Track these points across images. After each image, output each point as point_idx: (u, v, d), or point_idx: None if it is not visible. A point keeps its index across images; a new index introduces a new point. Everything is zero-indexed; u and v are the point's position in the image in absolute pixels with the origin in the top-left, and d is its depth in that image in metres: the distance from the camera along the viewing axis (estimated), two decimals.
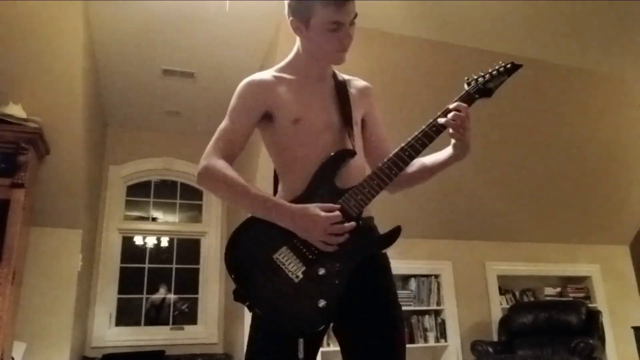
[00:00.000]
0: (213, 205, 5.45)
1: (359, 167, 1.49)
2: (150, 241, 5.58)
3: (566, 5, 3.73)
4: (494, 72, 1.50)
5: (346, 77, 1.65)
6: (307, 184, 1.43)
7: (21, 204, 3.14)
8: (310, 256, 1.35)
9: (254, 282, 1.34)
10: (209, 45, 3.93)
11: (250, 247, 1.38)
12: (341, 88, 1.58)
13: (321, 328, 1.34)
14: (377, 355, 1.36)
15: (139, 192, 5.42)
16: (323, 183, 1.42)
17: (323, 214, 1.33)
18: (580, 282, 5.76)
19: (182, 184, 5.53)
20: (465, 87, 1.50)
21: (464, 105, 1.44)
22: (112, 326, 4.92)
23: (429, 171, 1.57)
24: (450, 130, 1.42)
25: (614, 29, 4.07)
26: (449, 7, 3.71)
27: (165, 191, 5.55)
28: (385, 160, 1.42)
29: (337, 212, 1.34)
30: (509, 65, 1.51)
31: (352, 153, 1.47)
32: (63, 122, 3.49)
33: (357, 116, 1.57)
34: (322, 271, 1.34)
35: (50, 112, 3.42)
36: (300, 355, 1.33)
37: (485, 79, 1.50)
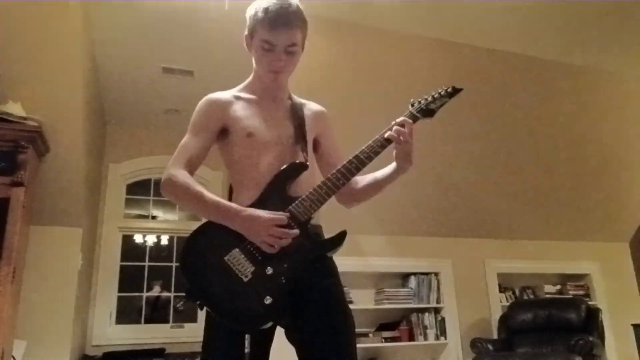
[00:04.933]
0: None
1: (309, 180, 1.58)
2: (150, 239, 5.58)
3: (566, 4, 3.72)
4: (436, 95, 1.64)
5: (303, 100, 1.77)
6: (260, 192, 1.52)
7: (21, 202, 3.14)
8: (260, 257, 1.43)
9: (205, 282, 1.43)
10: (208, 44, 3.93)
11: (204, 249, 1.48)
12: (297, 110, 1.70)
13: (268, 324, 1.42)
14: (326, 356, 1.43)
15: (138, 190, 5.42)
16: (275, 191, 1.52)
17: (267, 215, 1.43)
18: (580, 279, 5.77)
19: None
20: (410, 107, 1.63)
21: (409, 120, 1.56)
22: (113, 324, 4.93)
23: (377, 185, 1.67)
24: (393, 144, 1.54)
25: (615, 28, 4.06)
26: (449, 6, 3.71)
27: None
28: (334, 171, 1.53)
29: (281, 215, 1.44)
30: (449, 89, 1.65)
31: (305, 166, 1.57)
32: (63, 121, 3.49)
33: (309, 135, 1.69)
34: (269, 270, 1.42)
35: (50, 110, 3.41)
36: (247, 349, 1.40)
37: (428, 101, 1.63)
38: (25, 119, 3.26)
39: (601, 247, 5.88)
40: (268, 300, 1.39)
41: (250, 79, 1.72)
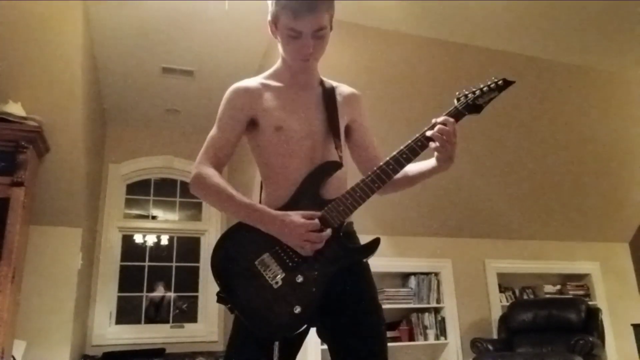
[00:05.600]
0: None
1: (342, 178, 1.53)
2: (150, 239, 5.58)
3: (567, 4, 3.72)
4: (485, 88, 1.52)
5: (334, 83, 1.68)
6: (292, 193, 1.47)
7: (21, 202, 3.14)
8: (290, 264, 1.40)
9: (235, 285, 1.40)
10: (208, 44, 3.93)
11: (235, 252, 1.44)
12: (328, 96, 1.61)
13: (295, 333, 1.39)
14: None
15: (138, 190, 5.43)
16: (307, 193, 1.47)
17: (301, 220, 1.39)
18: (580, 279, 5.76)
19: (182, 182, 5.53)
20: (455, 102, 1.51)
21: (451, 120, 1.45)
22: (113, 324, 4.93)
23: (411, 180, 1.61)
24: (435, 144, 1.44)
25: (615, 28, 4.06)
26: (449, 5, 3.71)
27: (165, 189, 5.55)
28: (370, 173, 1.45)
29: (316, 220, 1.39)
30: (500, 82, 1.54)
31: (339, 165, 1.51)
32: (63, 121, 3.49)
33: (342, 123, 1.60)
34: (300, 279, 1.39)
35: (50, 110, 3.42)
36: (275, 358, 1.39)
37: (475, 95, 1.51)
38: (25, 119, 3.26)
39: (601, 247, 5.87)
40: (297, 309, 1.36)
41: (277, 65, 1.62)
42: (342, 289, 1.43)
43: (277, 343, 1.39)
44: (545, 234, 5.59)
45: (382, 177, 1.44)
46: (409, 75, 4.20)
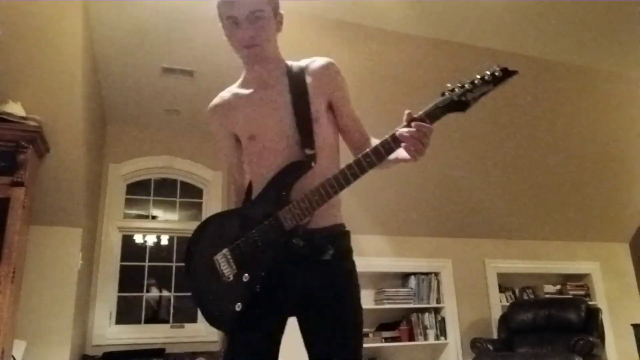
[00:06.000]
0: (213, 204, 5.45)
1: (321, 174, 1.42)
2: (150, 239, 5.58)
3: (567, 4, 3.72)
4: (477, 81, 1.31)
5: (304, 62, 1.58)
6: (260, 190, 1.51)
7: (21, 202, 3.14)
8: (243, 261, 1.45)
9: (195, 277, 1.52)
10: (208, 44, 3.93)
11: (202, 244, 1.53)
12: (297, 84, 1.52)
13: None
14: (327, 356, 1.44)
15: (139, 190, 5.42)
16: (271, 193, 1.47)
17: None
18: (580, 279, 5.77)
19: (182, 182, 5.52)
20: (439, 97, 1.33)
21: (425, 124, 1.31)
22: (113, 324, 4.93)
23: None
24: (403, 144, 1.32)
25: (614, 27, 4.06)
26: (448, 5, 3.71)
27: (165, 189, 5.54)
28: (330, 176, 1.37)
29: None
30: (498, 72, 1.29)
31: (305, 165, 1.45)
32: (63, 121, 3.49)
33: (319, 104, 1.52)
34: (246, 277, 1.44)
35: (50, 110, 3.42)
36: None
37: (464, 89, 1.31)
38: (25, 119, 3.26)
39: (601, 247, 5.88)
40: (239, 307, 1.41)
41: (243, 72, 1.63)
42: (315, 285, 1.45)
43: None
44: (545, 234, 5.59)
45: (341, 182, 1.36)
46: (409, 75, 4.20)
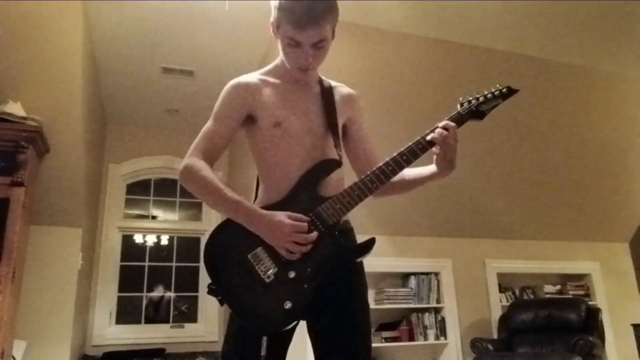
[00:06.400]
0: None
1: (341, 178, 1.52)
2: (150, 239, 5.58)
3: (566, 3, 3.72)
4: (489, 95, 1.52)
5: (333, 83, 1.67)
6: (289, 189, 1.46)
7: (21, 202, 3.14)
8: (283, 258, 1.38)
9: (226, 278, 1.40)
10: (208, 44, 3.93)
11: (227, 245, 1.42)
12: (327, 94, 1.59)
13: (285, 329, 1.39)
14: (342, 357, 1.41)
15: (138, 190, 5.43)
16: (305, 190, 1.45)
17: (288, 221, 1.36)
18: (580, 279, 5.76)
19: None
20: (458, 107, 1.52)
21: (452, 124, 1.46)
22: (113, 324, 4.93)
23: (408, 184, 1.62)
24: (435, 148, 1.45)
25: (615, 28, 4.06)
26: (449, 5, 3.71)
27: (165, 189, 5.55)
28: (368, 172, 1.44)
29: (304, 223, 1.38)
30: (504, 90, 1.53)
31: (338, 163, 1.50)
32: (63, 121, 3.49)
33: (340, 123, 1.59)
34: (292, 274, 1.38)
35: (50, 110, 3.42)
36: (263, 352, 1.38)
37: (479, 101, 1.51)
38: (25, 119, 3.26)
39: (601, 247, 5.87)
40: (288, 305, 1.35)
41: (277, 61, 1.60)
42: (333, 287, 1.43)
43: (265, 338, 1.38)
44: (545, 234, 5.59)
45: (381, 178, 1.43)
46: (409, 75, 4.20)
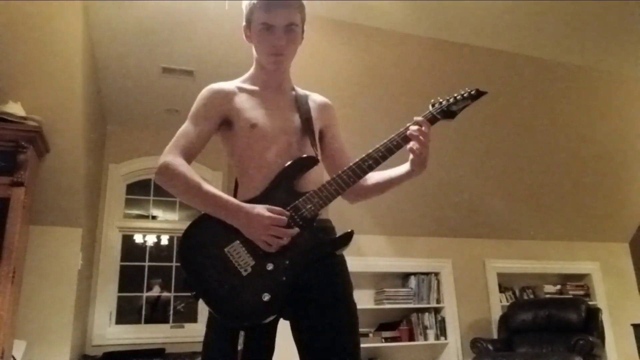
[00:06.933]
0: None
1: (319, 174, 1.56)
2: (150, 239, 5.58)
3: (566, 4, 3.72)
4: (458, 97, 1.59)
5: (307, 92, 1.73)
6: (267, 185, 1.48)
7: (21, 202, 3.14)
8: (261, 252, 1.39)
9: (202, 273, 1.39)
10: (208, 44, 3.93)
11: (204, 240, 1.43)
12: (301, 100, 1.66)
13: (264, 321, 1.38)
14: (325, 355, 1.41)
15: (138, 190, 5.42)
16: (282, 185, 1.48)
17: (267, 214, 1.38)
18: (580, 279, 5.77)
19: None
20: (430, 107, 1.58)
21: (424, 120, 1.52)
22: (113, 324, 4.93)
23: (385, 184, 1.64)
24: (410, 144, 1.50)
25: (615, 28, 4.06)
26: (449, 5, 3.71)
27: (165, 189, 5.54)
28: (345, 168, 1.48)
29: (282, 215, 1.40)
30: (473, 92, 1.61)
31: (315, 160, 1.52)
32: (63, 121, 3.49)
33: (315, 128, 1.64)
34: (270, 266, 1.38)
35: (50, 110, 3.42)
36: (240, 346, 1.37)
37: (449, 102, 1.58)
38: (25, 119, 3.26)
39: (601, 247, 5.88)
40: (266, 297, 1.34)
41: (251, 71, 1.68)
42: (312, 281, 1.43)
43: (242, 333, 1.38)
44: (545, 234, 5.59)
45: (358, 173, 1.48)
46: (409, 75, 4.20)
